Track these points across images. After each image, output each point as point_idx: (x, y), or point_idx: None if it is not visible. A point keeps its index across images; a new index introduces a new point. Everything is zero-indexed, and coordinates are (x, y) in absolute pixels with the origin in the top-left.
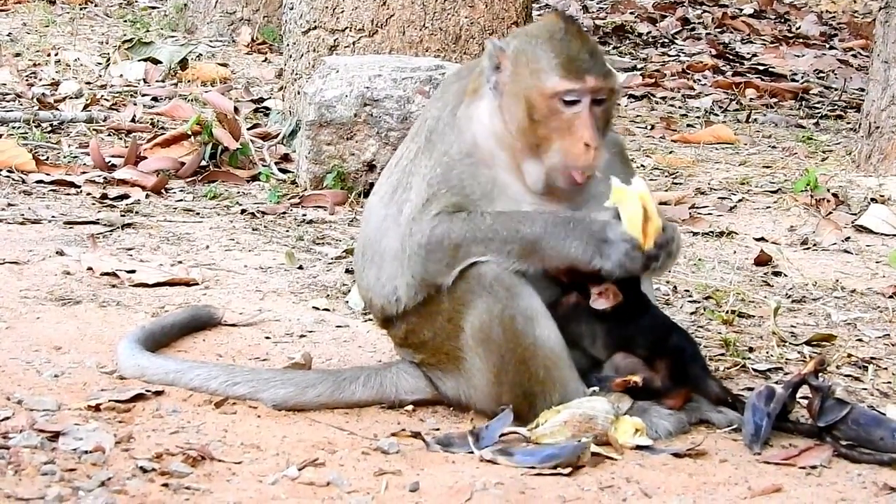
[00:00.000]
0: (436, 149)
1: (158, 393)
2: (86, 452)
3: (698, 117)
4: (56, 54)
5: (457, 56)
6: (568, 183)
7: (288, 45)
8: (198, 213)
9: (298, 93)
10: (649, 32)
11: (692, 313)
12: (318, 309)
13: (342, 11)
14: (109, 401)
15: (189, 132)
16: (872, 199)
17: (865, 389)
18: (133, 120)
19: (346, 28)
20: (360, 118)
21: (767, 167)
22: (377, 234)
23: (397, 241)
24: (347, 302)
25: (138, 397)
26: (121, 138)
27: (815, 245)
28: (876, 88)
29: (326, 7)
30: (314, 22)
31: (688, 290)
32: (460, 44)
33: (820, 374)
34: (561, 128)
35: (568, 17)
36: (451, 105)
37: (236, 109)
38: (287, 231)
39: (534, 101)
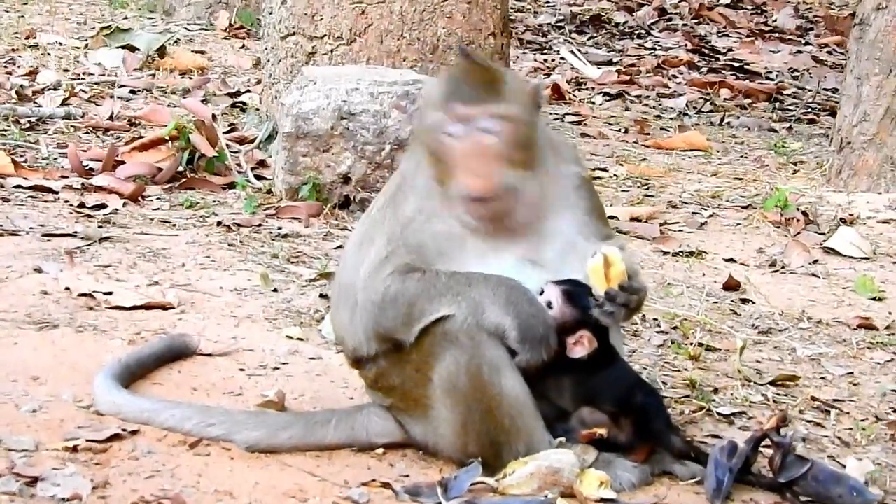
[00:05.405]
0: (399, 207)
1: (134, 432)
2: (63, 500)
3: (672, 118)
4: (34, 37)
5: (434, 67)
6: (476, 216)
7: (266, 49)
8: (174, 225)
9: (276, 98)
10: (626, 22)
11: (659, 346)
12: (291, 338)
13: (321, 19)
14: (87, 441)
15: (167, 137)
16: (842, 220)
17: (826, 437)
18: (111, 118)
19: (325, 35)
20: (337, 131)
21: (739, 179)
22: (350, 281)
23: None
24: (321, 330)
25: (115, 437)
26: (98, 136)
27: (783, 268)
28: (848, 104)
29: (306, 14)
30: (293, 28)
31: (656, 319)
32: (437, 54)
33: (781, 429)
34: (454, 161)
35: (464, 50)
36: (417, 160)
37: (214, 117)
38: (262, 246)
39: (427, 141)
